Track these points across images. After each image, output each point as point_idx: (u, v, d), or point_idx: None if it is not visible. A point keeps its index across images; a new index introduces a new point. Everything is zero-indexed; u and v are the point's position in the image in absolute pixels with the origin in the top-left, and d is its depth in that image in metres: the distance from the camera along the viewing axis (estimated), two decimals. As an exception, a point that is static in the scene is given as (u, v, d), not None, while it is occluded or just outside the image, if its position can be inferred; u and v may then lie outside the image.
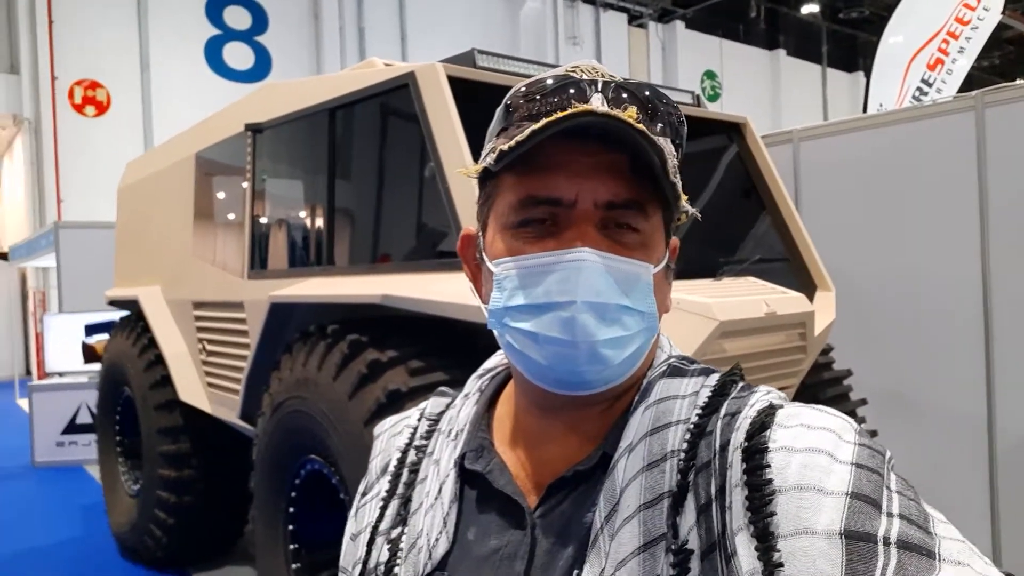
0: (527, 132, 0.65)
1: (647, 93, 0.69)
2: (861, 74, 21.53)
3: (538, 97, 0.68)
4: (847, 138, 3.97)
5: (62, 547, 5.07)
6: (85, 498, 6.18)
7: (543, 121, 0.65)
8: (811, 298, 2.87)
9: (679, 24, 19.69)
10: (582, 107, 0.65)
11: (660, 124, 0.68)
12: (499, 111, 0.72)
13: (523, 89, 0.70)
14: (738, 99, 19.79)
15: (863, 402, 3.21)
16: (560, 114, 0.64)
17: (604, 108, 0.65)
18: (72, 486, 6.69)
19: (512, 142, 0.66)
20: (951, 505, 3.50)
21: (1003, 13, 7.04)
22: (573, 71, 0.70)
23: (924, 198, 3.64)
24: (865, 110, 7.04)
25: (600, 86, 0.68)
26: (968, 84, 5.95)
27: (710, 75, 20.37)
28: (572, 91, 0.67)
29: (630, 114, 0.65)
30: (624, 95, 0.68)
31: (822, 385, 3.08)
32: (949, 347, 3.56)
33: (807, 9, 21.07)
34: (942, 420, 3.59)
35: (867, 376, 3.48)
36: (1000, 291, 3.40)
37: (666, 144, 0.68)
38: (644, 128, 0.65)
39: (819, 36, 22.29)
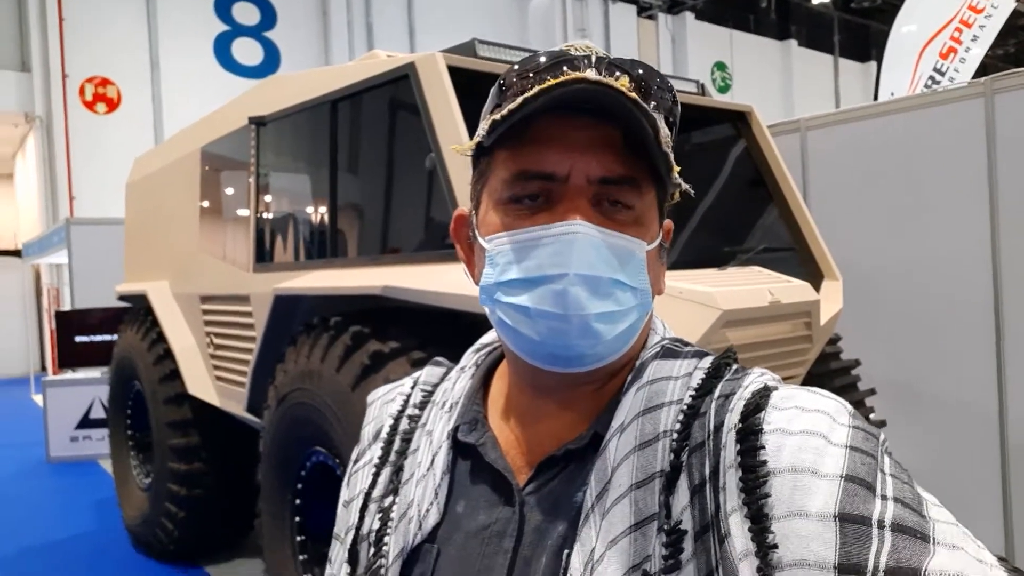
0: (519, 100, 0.65)
1: (640, 71, 0.68)
2: (873, 64, 21.31)
3: (531, 74, 0.67)
4: (855, 126, 3.93)
5: (77, 541, 5.13)
6: (99, 492, 6.24)
7: (535, 89, 0.65)
8: (818, 287, 2.85)
9: (689, 15, 19.54)
10: (574, 75, 0.65)
11: (652, 102, 0.68)
12: (493, 90, 0.72)
13: (516, 67, 0.69)
14: (749, 90, 19.66)
15: (872, 392, 3.19)
16: (552, 81, 0.64)
17: (596, 77, 0.65)
18: (86, 480, 6.76)
19: (504, 111, 0.66)
20: (962, 496, 3.48)
21: (1018, 0, 6.94)
22: (567, 50, 0.70)
23: (933, 186, 3.60)
24: (876, 100, 6.96)
25: (593, 60, 0.67)
26: (982, 72, 5.86)
27: (720, 66, 20.24)
28: (565, 67, 0.67)
29: (623, 83, 0.65)
30: (617, 72, 0.67)
31: (829, 375, 3.05)
32: (959, 336, 3.52)
33: (818, -1, 20.90)
34: (952, 410, 3.55)
35: (876, 366, 3.45)
36: (1010, 279, 3.36)
37: (659, 118, 0.67)
38: (636, 97, 0.64)
39: (830, 26, 22.09)
